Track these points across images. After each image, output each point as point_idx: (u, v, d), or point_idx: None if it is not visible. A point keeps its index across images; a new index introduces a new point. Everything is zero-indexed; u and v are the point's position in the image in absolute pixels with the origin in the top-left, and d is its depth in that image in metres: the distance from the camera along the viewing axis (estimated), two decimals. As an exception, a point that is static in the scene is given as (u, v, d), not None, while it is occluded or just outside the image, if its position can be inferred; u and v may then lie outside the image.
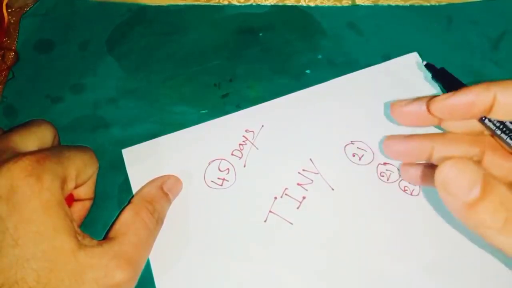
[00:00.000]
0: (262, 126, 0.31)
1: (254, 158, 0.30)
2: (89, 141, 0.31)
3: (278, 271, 0.27)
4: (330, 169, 0.30)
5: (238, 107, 0.32)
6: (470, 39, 0.35)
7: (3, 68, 0.35)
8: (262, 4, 0.37)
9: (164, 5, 0.37)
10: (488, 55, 0.34)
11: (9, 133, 0.25)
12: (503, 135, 0.23)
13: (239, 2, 0.37)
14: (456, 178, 0.19)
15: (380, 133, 0.31)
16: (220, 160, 0.30)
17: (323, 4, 0.37)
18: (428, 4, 0.36)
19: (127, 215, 0.25)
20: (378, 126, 0.31)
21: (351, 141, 0.31)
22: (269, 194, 0.29)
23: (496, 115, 0.22)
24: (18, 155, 0.22)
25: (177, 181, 0.29)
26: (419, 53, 0.34)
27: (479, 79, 0.33)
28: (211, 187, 0.29)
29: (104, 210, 0.29)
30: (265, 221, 0.28)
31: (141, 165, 0.30)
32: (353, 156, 0.30)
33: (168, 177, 0.29)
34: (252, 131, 0.31)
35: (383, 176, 0.29)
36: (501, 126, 0.23)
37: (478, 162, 0.25)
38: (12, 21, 0.37)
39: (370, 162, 0.30)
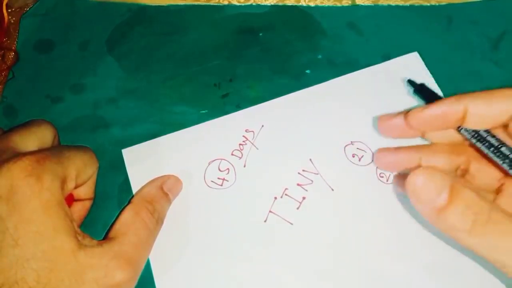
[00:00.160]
0: (262, 126, 0.31)
1: (254, 158, 0.30)
2: (89, 141, 0.31)
3: (278, 271, 0.27)
4: (330, 170, 0.30)
5: (238, 107, 0.32)
6: (470, 39, 0.35)
7: (3, 68, 0.35)
8: (262, 4, 0.37)
9: (164, 5, 0.37)
10: (488, 55, 0.34)
11: (9, 133, 0.25)
12: (478, 144, 0.24)
13: (239, 2, 0.37)
14: (424, 186, 0.20)
15: (380, 134, 0.31)
16: (220, 160, 0.30)
17: (323, 4, 0.37)
18: (428, 4, 0.36)
19: (127, 215, 0.25)
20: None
21: (351, 142, 0.31)
22: (269, 194, 0.29)
23: (469, 125, 0.24)
24: (18, 155, 0.22)
25: (177, 181, 0.29)
26: (419, 53, 0.34)
27: (479, 79, 0.33)
28: (211, 187, 0.29)
29: (104, 210, 0.29)
30: (265, 221, 0.28)
31: (141, 165, 0.30)
32: (353, 156, 0.30)
33: (168, 177, 0.29)
34: (252, 131, 0.31)
35: (382, 177, 0.29)
36: (475, 135, 0.24)
37: (463, 170, 0.26)
38: (12, 21, 0.37)
39: (370, 163, 0.30)
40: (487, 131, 0.24)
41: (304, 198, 0.29)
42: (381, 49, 0.34)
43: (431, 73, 0.33)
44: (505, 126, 0.23)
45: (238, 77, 0.34)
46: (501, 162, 0.23)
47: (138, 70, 0.34)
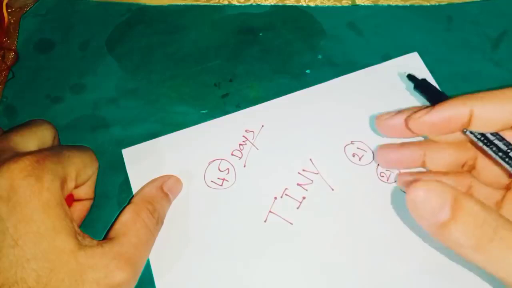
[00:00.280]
0: (262, 126, 0.31)
1: (254, 158, 0.30)
2: (89, 141, 0.31)
3: (278, 271, 0.27)
4: (330, 170, 0.30)
5: (238, 107, 0.32)
6: (470, 39, 0.35)
7: (3, 68, 0.35)
8: (262, 4, 0.37)
9: (164, 5, 0.37)
10: (488, 55, 0.34)
11: (9, 133, 0.25)
12: (485, 147, 0.23)
13: (239, 2, 0.37)
14: (425, 201, 0.19)
15: (380, 134, 0.31)
16: (220, 160, 0.30)
17: (323, 4, 0.37)
18: (428, 4, 0.36)
19: (127, 215, 0.25)
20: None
21: (351, 141, 0.31)
22: (269, 194, 0.29)
23: (476, 128, 0.22)
24: (18, 155, 0.22)
25: (177, 181, 0.29)
26: (419, 53, 0.34)
27: (479, 79, 0.33)
28: (211, 187, 0.29)
29: (104, 210, 0.29)
30: (265, 221, 0.28)
31: (141, 165, 0.30)
32: (353, 156, 0.30)
33: (168, 177, 0.29)
34: (252, 131, 0.31)
35: (383, 176, 0.29)
36: (482, 138, 0.23)
37: (470, 166, 0.25)
38: (12, 21, 0.37)
39: (370, 163, 0.30)
40: (495, 134, 0.22)
41: (304, 198, 0.29)
42: (381, 49, 0.34)
43: (431, 73, 0.33)
44: None
45: (238, 77, 0.34)
46: (511, 168, 0.22)
47: (138, 70, 0.34)
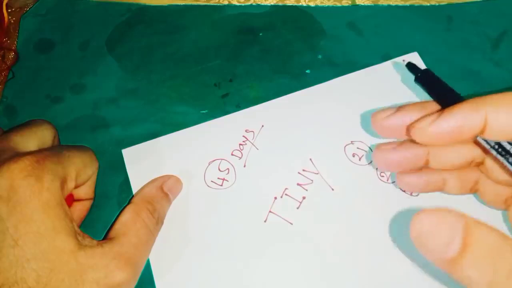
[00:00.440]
0: (262, 126, 0.31)
1: (254, 158, 0.30)
2: (89, 141, 0.31)
3: (278, 271, 0.27)
4: (330, 169, 0.30)
5: (238, 107, 0.32)
6: (470, 39, 0.35)
7: (3, 68, 0.35)
8: (262, 4, 0.37)
9: (164, 5, 0.37)
10: (488, 55, 0.34)
11: (9, 133, 0.25)
12: (499, 157, 0.19)
13: (239, 2, 0.37)
14: (431, 233, 0.17)
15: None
16: (220, 160, 0.30)
17: (323, 4, 0.37)
18: (428, 4, 0.36)
19: (127, 215, 0.25)
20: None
21: (351, 141, 0.31)
22: (269, 194, 0.29)
23: (490, 136, 0.19)
24: (18, 155, 0.22)
25: (177, 181, 0.29)
26: (419, 53, 0.34)
27: (479, 79, 0.33)
28: (211, 187, 0.29)
29: (104, 210, 0.29)
30: (265, 221, 0.28)
31: (141, 165, 0.30)
32: (353, 156, 0.30)
33: (168, 177, 0.29)
34: (252, 131, 0.31)
35: (383, 176, 0.29)
36: (497, 147, 0.19)
37: (478, 163, 0.22)
38: (12, 21, 0.37)
39: (370, 163, 0.30)
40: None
41: (304, 198, 0.29)
42: (381, 49, 0.34)
43: (431, 73, 0.33)
44: None
45: (238, 77, 0.34)
46: None
47: (138, 70, 0.34)
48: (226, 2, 0.37)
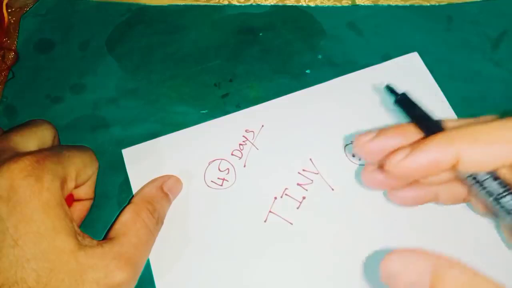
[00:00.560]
0: (262, 126, 0.31)
1: (254, 158, 0.30)
2: (89, 141, 0.31)
3: (278, 271, 0.27)
4: (330, 169, 0.30)
5: (238, 107, 0.32)
6: (470, 39, 0.35)
7: (3, 68, 0.35)
8: (262, 4, 0.37)
9: (164, 5, 0.37)
10: (488, 55, 0.34)
11: (9, 133, 0.25)
12: (475, 187, 0.19)
13: (239, 2, 0.37)
14: (401, 274, 0.17)
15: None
16: (220, 160, 0.30)
17: (323, 4, 0.37)
18: (428, 4, 0.36)
19: (127, 215, 0.25)
20: (378, 126, 0.31)
21: (351, 141, 0.31)
22: (269, 194, 0.29)
23: (464, 169, 0.19)
24: (18, 155, 0.22)
25: (177, 181, 0.29)
26: (419, 53, 0.34)
27: (479, 79, 0.33)
28: (211, 187, 0.29)
29: (104, 210, 0.29)
30: (265, 221, 0.28)
31: (141, 165, 0.30)
32: (353, 156, 0.30)
33: (168, 177, 0.29)
34: (252, 131, 0.31)
35: (383, 176, 0.29)
36: (472, 177, 0.19)
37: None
38: (12, 21, 0.37)
39: (370, 162, 0.30)
40: (489, 173, 0.19)
41: (304, 198, 0.29)
42: (381, 49, 0.34)
43: (431, 73, 0.33)
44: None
45: (238, 77, 0.34)
46: (505, 216, 0.19)
47: (138, 70, 0.34)
48: (226, 2, 0.37)
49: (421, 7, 0.36)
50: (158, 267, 0.27)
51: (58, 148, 0.26)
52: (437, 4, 0.36)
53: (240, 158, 0.30)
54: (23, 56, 0.35)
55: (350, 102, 0.32)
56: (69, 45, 0.36)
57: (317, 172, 0.30)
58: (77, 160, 0.25)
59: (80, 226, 0.25)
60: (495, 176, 0.19)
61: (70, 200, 0.27)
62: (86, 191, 0.27)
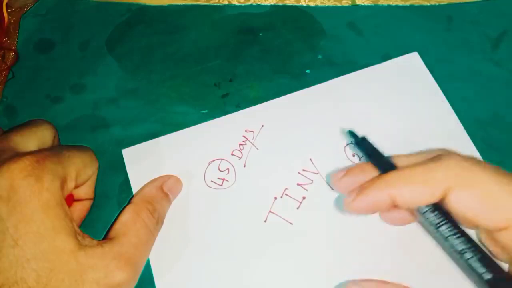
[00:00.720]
0: (262, 126, 0.31)
1: (254, 158, 0.30)
2: (89, 141, 0.31)
3: (278, 271, 0.27)
4: (330, 169, 0.30)
5: (238, 107, 0.32)
6: (470, 39, 0.35)
7: (3, 68, 0.35)
8: (262, 4, 0.37)
9: (164, 5, 0.37)
10: (488, 55, 0.34)
11: (9, 133, 0.25)
12: (419, 217, 0.23)
13: (239, 2, 0.37)
14: None
15: (380, 133, 0.31)
16: (220, 160, 0.30)
17: (323, 4, 0.37)
18: (428, 4, 0.36)
19: (127, 215, 0.25)
20: (378, 126, 0.31)
21: (351, 142, 0.30)
22: (269, 194, 0.29)
23: (402, 206, 0.23)
24: (18, 155, 0.22)
25: (177, 181, 0.29)
26: (419, 53, 0.34)
27: (479, 79, 0.33)
28: (211, 187, 0.29)
29: (104, 210, 0.29)
30: (265, 221, 0.28)
31: (141, 165, 0.30)
32: (353, 156, 0.30)
33: (168, 177, 0.29)
34: (252, 131, 0.31)
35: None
36: (417, 209, 0.23)
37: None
38: (12, 21, 0.37)
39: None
40: (427, 206, 0.22)
41: (304, 198, 0.29)
42: (381, 49, 0.34)
43: (431, 73, 0.33)
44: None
45: (238, 77, 0.34)
46: (442, 242, 0.22)
47: (138, 70, 0.34)
48: (226, 2, 0.37)
49: (421, 7, 0.36)
50: (158, 267, 0.27)
51: (58, 148, 0.26)
52: (437, 4, 0.36)
53: (240, 158, 0.30)
54: (23, 56, 0.35)
55: (350, 102, 0.32)
56: (69, 45, 0.36)
57: (317, 172, 0.30)
58: (77, 160, 0.25)
59: (80, 226, 0.25)
60: (432, 209, 0.22)
61: (70, 200, 0.27)
62: (86, 191, 0.27)
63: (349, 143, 0.30)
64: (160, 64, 0.35)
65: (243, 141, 0.31)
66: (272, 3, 0.37)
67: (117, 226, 0.24)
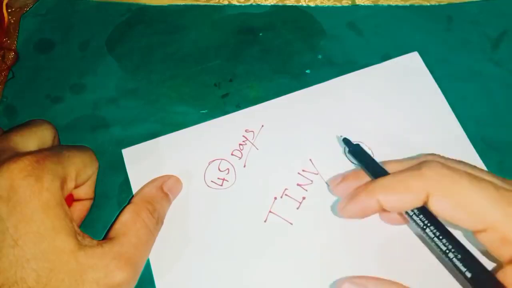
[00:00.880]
0: (262, 126, 0.31)
1: (254, 158, 0.30)
2: (89, 141, 0.31)
3: (278, 271, 0.27)
4: (330, 170, 0.30)
5: (238, 107, 0.32)
6: (470, 39, 0.35)
7: (3, 68, 0.35)
8: (262, 4, 0.37)
9: (164, 5, 0.37)
10: (488, 55, 0.34)
11: (9, 133, 0.25)
12: (408, 219, 0.24)
13: (239, 2, 0.37)
14: None
15: (380, 133, 0.31)
16: (220, 160, 0.30)
17: (323, 4, 0.37)
18: (428, 4, 0.36)
19: (127, 215, 0.25)
20: (378, 126, 0.31)
21: (346, 149, 0.30)
22: (269, 194, 0.29)
23: (389, 210, 0.24)
24: (18, 155, 0.22)
25: (177, 181, 0.29)
26: (419, 53, 0.34)
27: (479, 79, 0.33)
28: (211, 187, 0.29)
29: (104, 210, 0.29)
30: (265, 221, 0.28)
31: (141, 165, 0.30)
32: (350, 158, 0.30)
33: (168, 177, 0.29)
34: (252, 131, 0.31)
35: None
36: (405, 212, 0.24)
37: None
38: (12, 21, 0.37)
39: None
40: (412, 210, 0.24)
41: (304, 198, 0.29)
42: (381, 49, 0.34)
43: (431, 73, 0.33)
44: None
45: (238, 77, 0.34)
46: (430, 243, 0.23)
47: (138, 70, 0.34)
48: (226, 2, 0.37)
49: (421, 7, 0.36)
50: (158, 267, 0.27)
51: (58, 148, 0.26)
52: (437, 4, 0.36)
53: (240, 158, 0.30)
54: (23, 56, 0.35)
55: (350, 102, 0.32)
56: (69, 45, 0.36)
57: (317, 173, 0.30)
58: (77, 160, 0.25)
59: (80, 226, 0.25)
60: (417, 213, 0.23)
61: (70, 200, 0.27)
62: (86, 191, 0.27)
63: (344, 147, 0.30)
64: (160, 64, 0.35)
65: (243, 141, 0.31)
66: (272, 3, 0.37)
67: (117, 226, 0.24)
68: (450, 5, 0.36)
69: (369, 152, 0.30)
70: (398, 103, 0.32)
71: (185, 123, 0.32)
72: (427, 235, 0.23)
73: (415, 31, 0.35)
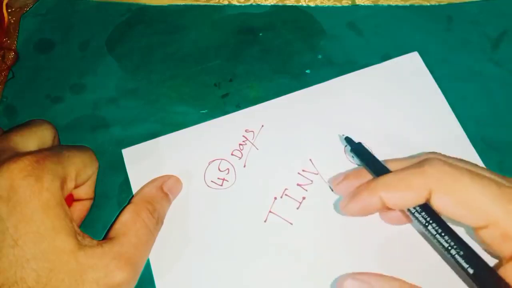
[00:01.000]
0: (262, 126, 0.31)
1: (254, 158, 0.30)
2: (89, 141, 0.31)
3: (278, 271, 0.27)
4: (330, 170, 0.30)
5: (238, 107, 0.32)
6: (470, 39, 0.35)
7: (3, 68, 0.35)
8: (262, 4, 0.37)
9: (164, 5, 0.37)
10: (488, 55, 0.34)
11: (9, 133, 0.25)
12: (411, 216, 0.24)
13: (239, 2, 0.37)
14: None
15: (380, 133, 0.31)
16: (220, 160, 0.30)
17: (323, 4, 0.37)
18: (428, 4, 0.36)
19: (127, 215, 0.25)
20: (378, 126, 0.31)
21: (348, 147, 0.30)
22: (269, 194, 0.29)
23: (392, 207, 0.24)
24: (18, 155, 0.22)
25: (177, 181, 0.29)
26: (419, 53, 0.34)
27: (479, 79, 0.33)
28: (211, 187, 0.29)
29: (104, 210, 0.29)
30: (265, 221, 0.28)
31: (141, 165, 0.30)
32: (353, 156, 0.30)
33: (168, 177, 0.29)
34: (252, 131, 0.31)
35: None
36: (407, 209, 0.24)
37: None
38: (12, 21, 0.37)
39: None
40: (414, 208, 0.24)
41: (304, 198, 0.29)
42: (381, 49, 0.34)
43: (431, 73, 0.33)
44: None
45: (238, 77, 0.34)
46: (432, 240, 0.23)
47: (138, 70, 0.34)
48: (226, 2, 0.37)
49: (421, 7, 0.36)
50: (158, 267, 0.27)
51: (58, 148, 0.26)
52: (437, 4, 0.36)
53: (240, 158, 0.30)
54: (23, 56, 0.35)
55: (350, 102, 0.32)
56: (69, 45, 0.36)
57: (317, 173, 0.30)
58: (77, 160, 0.25)
59: (80, 226, 0.25)
60: (420, 210, 0.24)
61: (70, 200, 0.27)
62: (86, 191, 0.27)
63: (345, 146, 0.30)
64: (160, 64, 0.35)
65: (243, 141, 0.31)
66: (272, 3, 0.37)
67: (117, 226, 0.24)
68: (450, 5, 0.36)
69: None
70: (398, 103, 0.32)
71: (185, 123, 0.32)
72: (429, 232, 0.23)
73: (415, 31, 0.35)
